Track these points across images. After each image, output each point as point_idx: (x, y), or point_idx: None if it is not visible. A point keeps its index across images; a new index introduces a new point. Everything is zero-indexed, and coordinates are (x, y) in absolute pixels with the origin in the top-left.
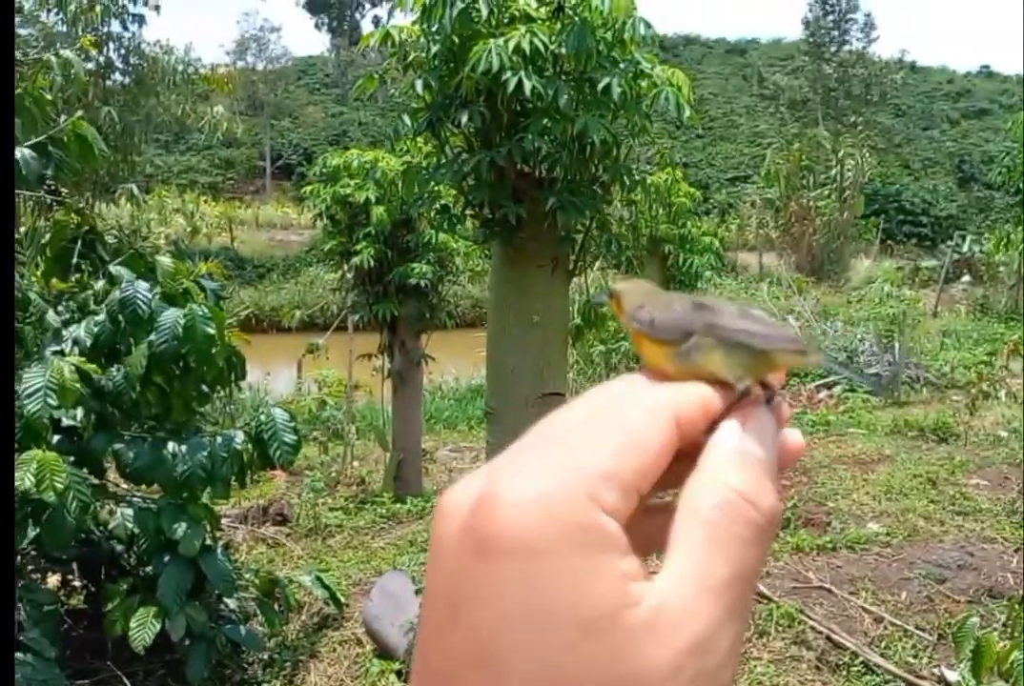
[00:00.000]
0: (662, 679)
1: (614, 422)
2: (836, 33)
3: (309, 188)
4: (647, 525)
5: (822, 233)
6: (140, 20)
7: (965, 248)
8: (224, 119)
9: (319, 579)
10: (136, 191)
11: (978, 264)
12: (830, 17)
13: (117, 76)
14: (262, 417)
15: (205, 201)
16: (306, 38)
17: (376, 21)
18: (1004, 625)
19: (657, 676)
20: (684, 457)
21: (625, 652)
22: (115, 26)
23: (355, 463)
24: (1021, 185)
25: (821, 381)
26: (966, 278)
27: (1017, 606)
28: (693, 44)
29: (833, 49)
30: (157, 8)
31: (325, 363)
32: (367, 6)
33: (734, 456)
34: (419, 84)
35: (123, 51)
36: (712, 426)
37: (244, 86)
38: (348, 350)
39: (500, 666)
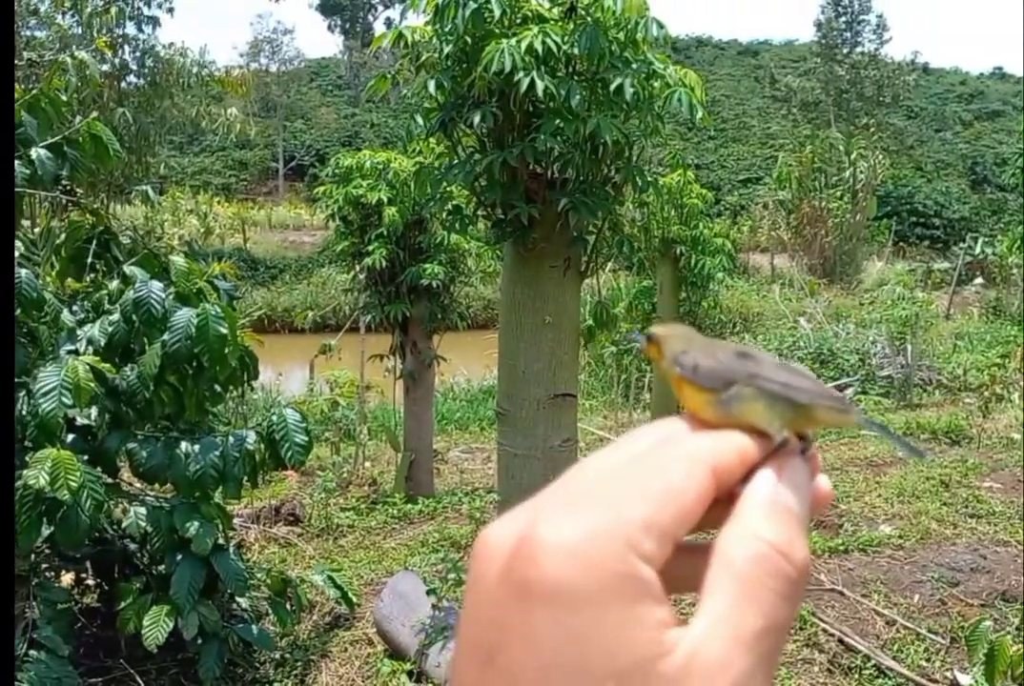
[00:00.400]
0: None
1: (654, 469)
2: (848, 35)
3: (321, 189)
4: (677, 566)
5: (834, 235)
6: (155, 22)
7: (978, 250)
8: (238, 121)
9: (331, 579)
10: (150, 192)
11: (991, 266)
12: (842, 19)
13: (132, 78)
14: (274, 417)
15: (218, 202)
16: (319, 40)
17: (389, 23)
18: (1017, 629)
19: None
20: (718, 502)
21: None
22: (130, 28)
23: (367, 464)
24: None
25: (833, 383)
26: (979, 280)
27: None
28: (705, 45)
29: (845, 51)
30: (171, 10)
31: (337, 363)
32: (380, 8)
33: (769, 507)
34: (432, 84)
35: (138, 53)
36: (748, 474)
37: (257, 88)
38: (360, 351)
39: None
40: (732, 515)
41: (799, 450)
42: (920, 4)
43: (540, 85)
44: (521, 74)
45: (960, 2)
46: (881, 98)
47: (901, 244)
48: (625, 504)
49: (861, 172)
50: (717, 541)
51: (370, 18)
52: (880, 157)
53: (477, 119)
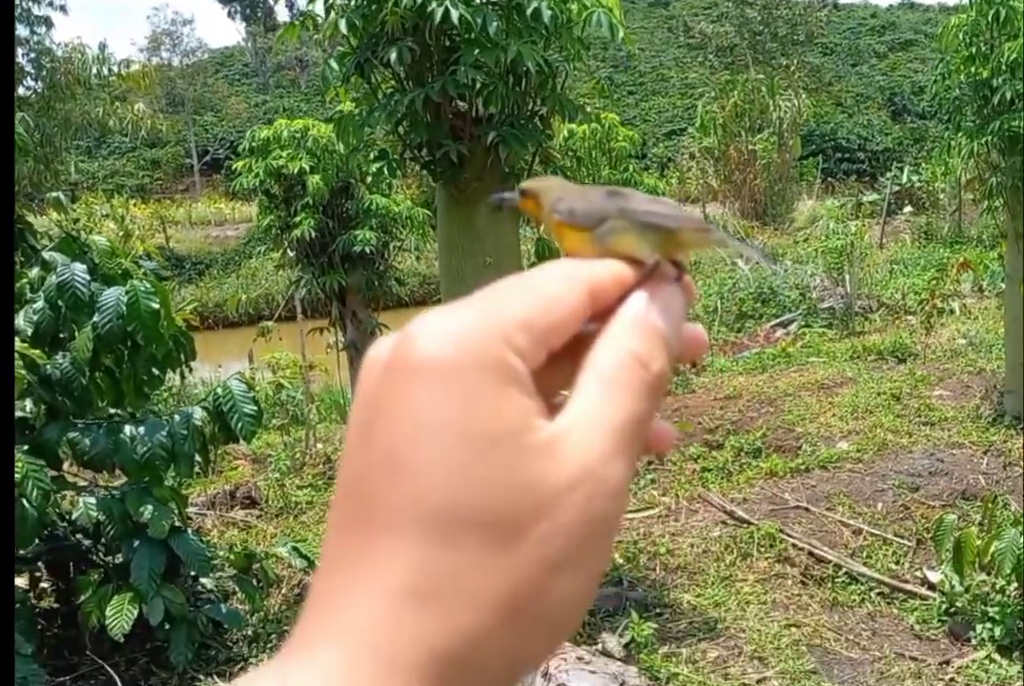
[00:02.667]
0: (557, 492)
1: (533, 285)
2: None
3: (239, 163)
4: (551, 375)
5: (763, 178)
6: (47, 22)
7: (904, 179)
8: (146, 117)
9: (296, 550)
10: (63, 199)
11: (918, 193)
12: None
13: (29, 82)
14: (219, 390)
15: (135, 204)
16: (220, 28)
17: (291, 5)
18: (980, 525)
19: (553, 489)
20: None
21: (526, 465)
22: (21, 30)
23: (319, 445)
24: (956, 91)
25: (776, 321)
26: (908, 208)
27: (991, 503)
28: None
29: None
30: (63, 9)
31: (278, 345)
32: None
33: (635, 323)
34: (343, 24)
35: (32, 55)
36: (624, 298)
37: (162, 83)
38: (299, 331)
39: (410, 471)
40: (605, 330)
41: (673, 276)
42: None
43: (455, 14)
44: (434, 4)
45: None
46: (795, 37)
47: (829, 180)
48: (504, 306)
49: (785, 112)
50: (590, 352)
51: (271, 1)
52: (803, 96)
53: (394, 56)
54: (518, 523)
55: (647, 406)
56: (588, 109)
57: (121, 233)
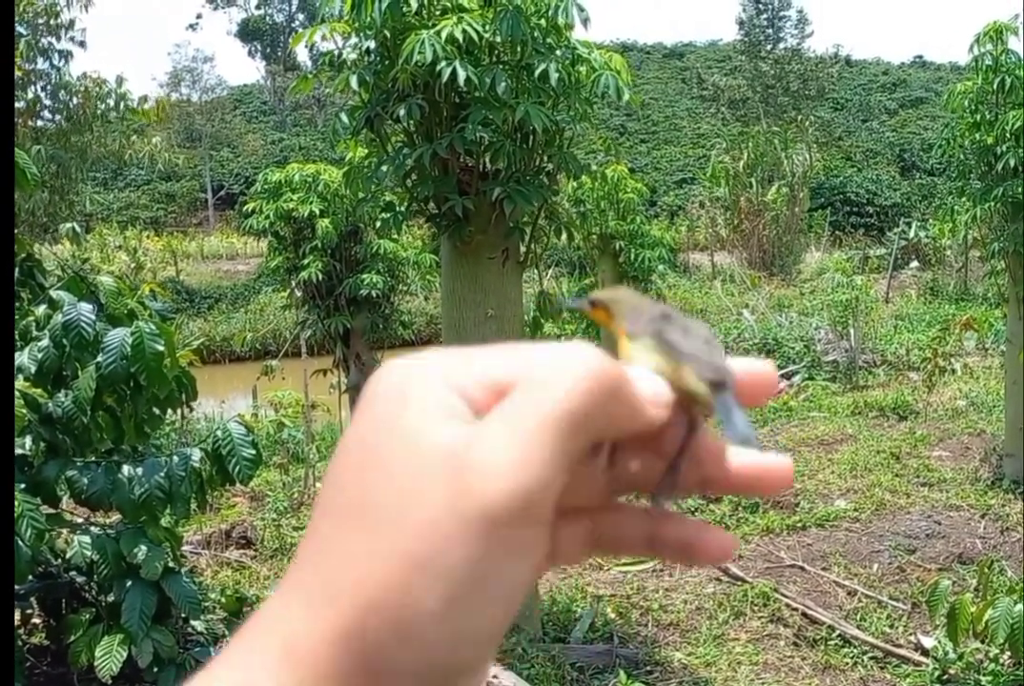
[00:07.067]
0: (423, 478)
1: (534, 351)
2: (770, 31)
3: (251, 204)
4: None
5: (772, 228)
6: (67, 56)
7: (911, 234)
8: (163, 151)
9: None
10: (77, 229)
11: (925, 249)
12: (763, 16)
13: (47, 114)
14: (218, 433)
15: (147, 236)
16: (240, 66)
17: (311, 46)
18: (976, 589)
19: (419, 472)
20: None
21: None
22: (41, 64)
23: (317, 484)
24: (960, 155)
25: (780, 372)
26: (914, 263)
27: (987, 569)
28: (630, 51)
29: (768, 47)
30: (83, 43)
31: (281, 384)
32: (299, 30)
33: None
34: (354, 80)
35: (51, 88)
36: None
37: (180, 118)
38: (303, 370)
39: (332, 478)
40: None
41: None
42: None
43: (462, 74)
44: (443, 64)
45: None
46: (807, 92)
47: (837, 233)
48: (474, 355)
49: (797, 165)
50: None
51: (290, 41)
52: (815, 150)
53: (403, 112)
54: (384, 509)
55: (583, 399)
56: (594, 166)
57: (133, 264)
